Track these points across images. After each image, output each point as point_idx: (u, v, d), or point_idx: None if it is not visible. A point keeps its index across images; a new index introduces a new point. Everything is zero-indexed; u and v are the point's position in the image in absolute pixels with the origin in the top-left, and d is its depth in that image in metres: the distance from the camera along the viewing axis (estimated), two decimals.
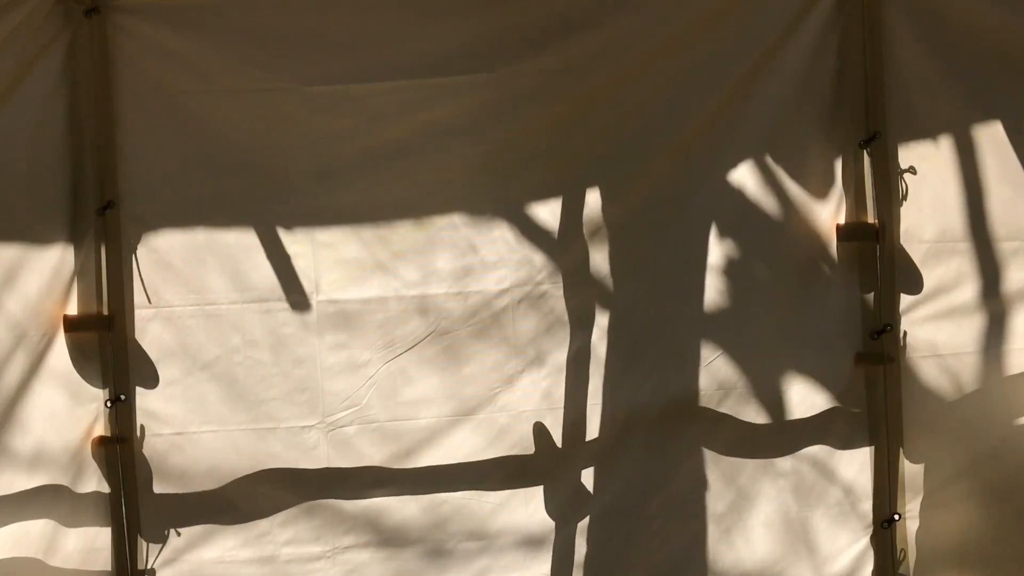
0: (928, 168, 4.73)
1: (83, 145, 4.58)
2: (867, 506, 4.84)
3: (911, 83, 4.68)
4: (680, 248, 4.75)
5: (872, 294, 4.77)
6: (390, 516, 4.76)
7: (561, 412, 4.77)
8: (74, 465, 4.60)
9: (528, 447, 4.77)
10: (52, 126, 4.55)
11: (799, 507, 4.83)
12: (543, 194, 4.72)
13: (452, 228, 4.70)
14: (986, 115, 4.70)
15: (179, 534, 4.68)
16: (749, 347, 4.77)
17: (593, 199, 4.71)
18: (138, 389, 4.65)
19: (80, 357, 4.60)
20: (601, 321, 4.75)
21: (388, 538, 4.76)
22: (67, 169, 4.58)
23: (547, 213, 4.72)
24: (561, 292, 4.74)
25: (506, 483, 4.79)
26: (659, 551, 4.82)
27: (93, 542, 4.64)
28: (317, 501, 4.73)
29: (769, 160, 4.72)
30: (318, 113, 4.63)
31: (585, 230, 4.72)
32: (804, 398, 4.79)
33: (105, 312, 4.61)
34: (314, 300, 4.70)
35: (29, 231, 4.54)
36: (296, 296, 4.69)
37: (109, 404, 4.62)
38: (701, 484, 4.82)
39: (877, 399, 4.79)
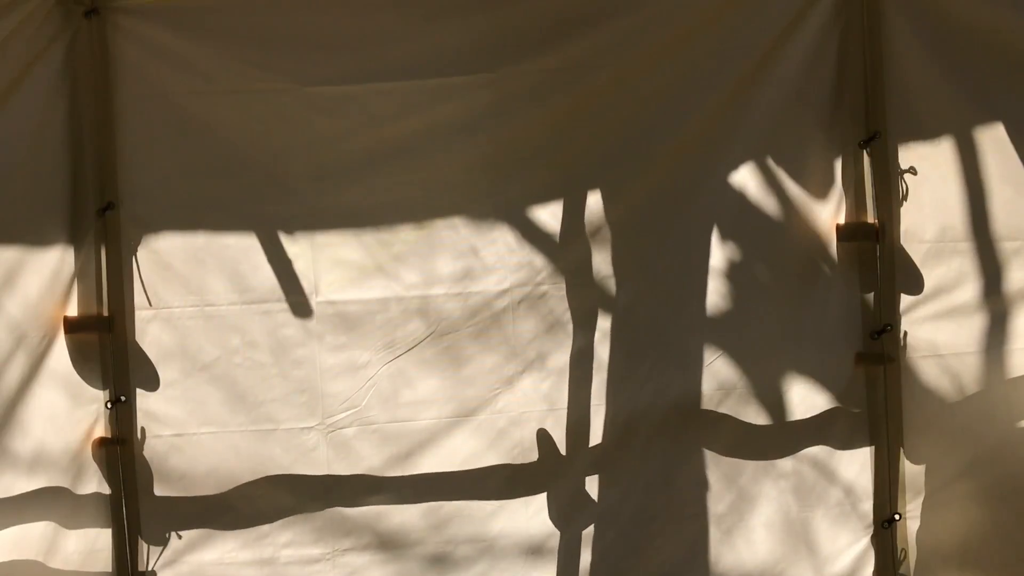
0: (928, 168, 4.73)
1: (83, 146, 4.57)
2: (867, 506, 4.84)
3: (911, 83, 4.69)
4: (680, 248, 4.75)
5: (872, 294, 4.77)
6: (390, 519, 4.76)
7: (561, 413, 4.77)
8: (74, 467, 4.60)
9: (529, 449, 4.77)
10: (52, 127, 4.55)
11: (800, 507, 4.83)
12: (543, 195, 4.72)
13: (452, 229, 4.70)
14: (986, 114, 4.70)
15: (180, 537, 4.68)
16: (749, 347, 4.77)
17: (593, 199, 4.71)
18: (138, 390, 4.64)
19: (80, 358, 4.60)
20: (602, 322, 4.75)
21: (388, 541, 4.76)
22: (67, 170, 4.58)
23: (547, 214, 4.72)
24: (561, 293, 4.74)
25: (509, 490, 4.78)
26: (660, 552, 4.82)
27: (93, 543, 4.63)
28: (317, 503, 4.72)
29: (769, 160, 4.73)
30: (318, 114, 4.63)
31: (586, 230, 4.72)
32: (804, 398, 4.79)
33: (105, 313, 4.61)
34: (313, 301, 4.70)
35: (29, 232, 4.53)
36: (295, 297, 4.69)
37: (109, 405, 4.62)
38: (702, 485, 4.82)
39: (877, 399, 4.79)
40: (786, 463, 4.83)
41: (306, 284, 4.69)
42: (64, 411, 4.59)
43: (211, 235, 4.66)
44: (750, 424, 4.80)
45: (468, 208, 4.70)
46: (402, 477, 4.73)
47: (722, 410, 4.77)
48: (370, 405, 4.72)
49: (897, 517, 4.80)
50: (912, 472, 4.80)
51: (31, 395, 4.54)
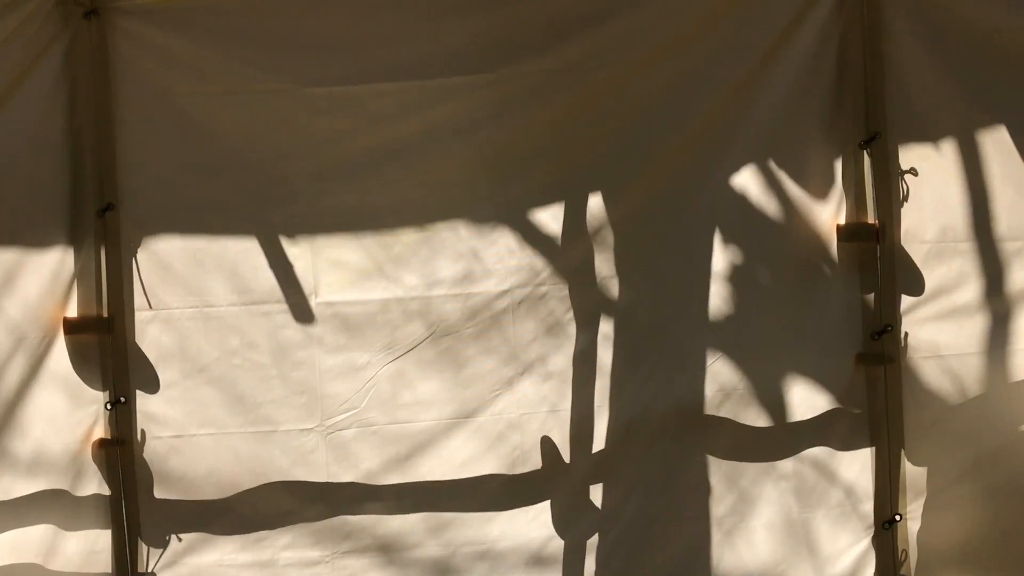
0: (929, 168, 4.72)
1: (83, 147, 4.58)
2: (868, 507, 4.84)
3: (911, 83, 4.68)
4: (681, 249, 4.74)
5: (872, 295, 4.77)
6: (389, 522, 4.76)
7: (561, 415, 4.76)
8: (74, 468, 4.60)
9: (529, 451, 4.76)
10: (52, 128, 4.55)
11: (800, 508, 4.83)
12: (544, 195, 4.72)
13: (452, 229, 4.70)
14: (987, 114, 4.69)
15: (180, 539, 4.67)
16: (750, 348, 4.76)
17: (594, 200, 4.71)
18: (137, 392, 4.64)
19: (80, 359, 4.60)
20: (603, 323, 4.75)
21: (387, 544, 4.75)
22: (67, 171, 4.58)
23: (548, 214, 4.72)
24: (561, 294, 4.73)
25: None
26: (661, 554, 4.81)
27: (93, 545, 4.63)
28: (316, 506, 4.72)
29: (769, 160, 4.72)
30: (318, 114, 4.63)
31: (587, 231, 4.71)
32: (805, 399, 4.79)
33: (105, 314, 4.61)
34: (313, 302, 4.69)
35: (29, 233, 4.54)
36: (295, 298, 4.69)
37: (109, 406, 4.61)
38: (703, 486, 4.81)
39: (878, 400, 4.78)
40: (787, 464, 4.83)
41: (306, 285, 4.69)
42: (64, 412, 4.59)
43: (210, 236, 4.66)
44: (751, 425, 4.79)
45: (468, 209, 4.70)
46: (402, 484, 4.73)
47: (723, 411, 4.77)
48: (369, 407, 4.72)
49: (898, 518, 4.80)
50: (913, 473, 4.80)
51: (31, 396, 4.55)
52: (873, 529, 4.83)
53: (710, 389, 4.76)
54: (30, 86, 4.50)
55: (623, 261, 4.72)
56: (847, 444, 4.82)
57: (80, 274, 4.60)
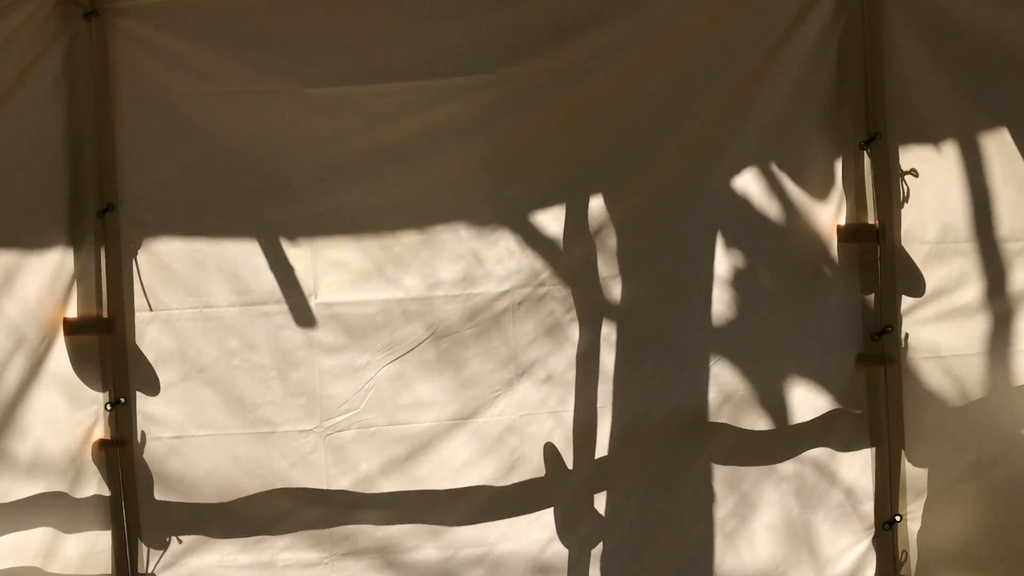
0: (929, 168, 4.73)
1: (82, 148, 4.58)
2: (868, 508, 4.84)
3: (911, 83, 4.69)
4: (681, 249, 4.74)
5: (873, 295, 4.77)
6: (389, 524, 4.75)
7: (561, 416, 4.76)
8: (73, 469, 4.60)
9: (528, 452, 4.76)
10: (51, 129, 4.55)
11: (801, 509, 4.83)
12: (544, 196, 4.71)
13: (452, 230, 4.69)
14: (988, 114, 4.70)
15: (180, 541, 4.67)
16: (750, 348, 4.76)
17: (594, 200, 4.70)
18: (137, 393, 4.64)
19: (80, 360, 4.60)
20: (603, 324, 4.75)
21: (386, 546, 4.75)
22: (67, 172, 4.58)
23: (548, 215, 4.71)
24: (562, 295, 4.73)
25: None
26: (662, 556, 4.81)
27: (93, 546, 4.63)
28: (315, 507, 4.71)
29: (769, 161, 4.72)
30: (318, 115, 4.62)
31: (587, 232, 4.71)
32: (806, 399, 4.79)
33: (105, 315, 4.60)
34: (313, 303, 4.69)
35: (29, 233, 4.54)
36: (295, 299, 4.68)
37: (109, 407, 4.61)
38: (704, 488, 4.81)
39: (878, 400, 4.78)
40: (787, 466, 4.82)
41: (305, 286, 4.68)
42: (63, 413, 4.59)
43: (210, 236, 4.66)
44: (751, 427, 4.78)
45: (468, 209, 4.70)
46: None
47: (723, 412, 4.77)
48: (369, 407, 4.71)
49: (898, 518, 4.80)
50: (913, 473, 4.80)
51: (30, 397, 4.54)
52: (873, 530, 4.83)
53: (711, 390, 4.75)
54: (30, 87, 4.50)
55: (624, 261, 4.72)
56: (847, 445, 4.82)
57: (80, 275, 4.60)
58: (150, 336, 4.64)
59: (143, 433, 4.64)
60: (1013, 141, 4.70)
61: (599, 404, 4.75)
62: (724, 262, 4.75)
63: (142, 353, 4.63)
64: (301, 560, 4.73)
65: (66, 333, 4.58)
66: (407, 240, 4.70)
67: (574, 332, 4.75)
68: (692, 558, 4.83)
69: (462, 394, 4.73)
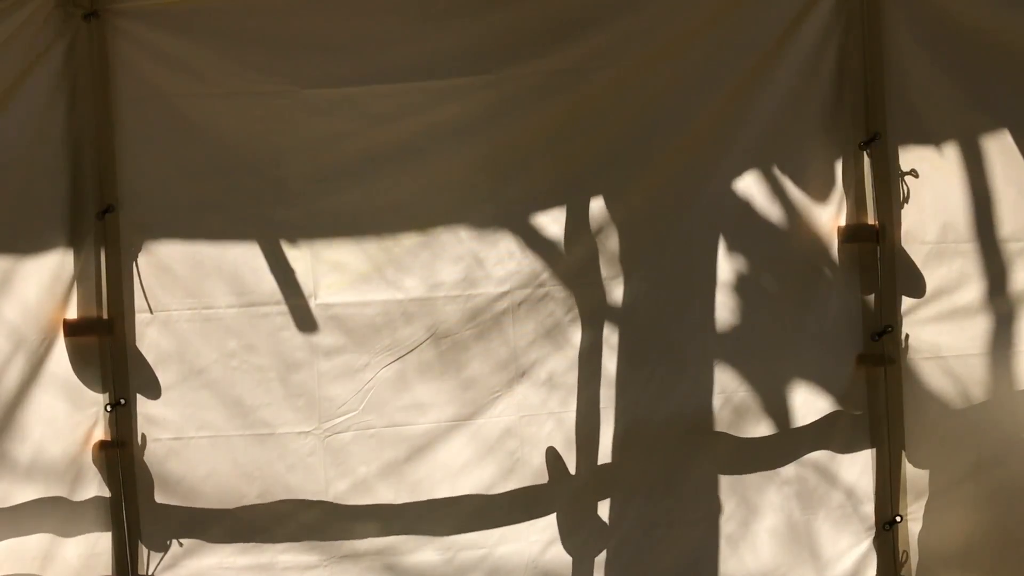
0: (929, 168, 4.73)
1: (82, 149, 4.58)
2: (869, 508, 4.84)
3: (911, 83, 4.69)
4: (681, 250, 4.75)
5: (873, 295, 4.77)
6: (388, 526, 4.75)
7: (561, 417, 4.76)
8: (73, 470, 4.59)
9: (528, 454, 4.75)
10: (51, 130, 4.55)
11: (802, 511, 4.83)
12: (544, 196, 4.71)
13: (452, 231, 4.69)
14: (987, 114, 4.70)
15: (181, 544, 4.67)
16: (751, 349, 4.76)
17: (595, 201, 4.70)
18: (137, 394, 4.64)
19: (80, 361, 4.60)
20: (603, 325, 4.74)
21: (385, 548, 4.75)
22: (66, 173, 4.57)
23: (548, 216, 4.71)
24: (562, 296, 4.73)
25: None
26: (663, 559, 4.81)
27: (93, 547, 4.63)
28: (314, 509, 4.71)
29: (769, 162, 4.72)
30: (317, 116, 4.62)
31: (587, 232, 4.71)
32: (806, 400, 4.79)
33: (105, 316, 4.60)
34: (312, 304, 4.68)
35: (28, 235, 4.53)
36: (294, 300, 4.68)
37: (109, 408, 4.61)
38: (704, 490, 4.81)
39: (878, 401, 4.79)
40: (789, 468, 4.82)
41: (305, 287, 4.68)
42: (63, 414, 4.58)
43: (210, 238, 4.65)
44: (752, 427, 4.79)
45: (468, 210, 4.70)
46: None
47: (724, 413, 4.77)
48: (368, 409, 4.71)
49: (898, 519, 4.80)
50: (913, 474, 4.80)
51: (30, 398, 4.54)
52: (874, 530, 4.84)
53: (711, 391, 4.75)
54: (30, 88, 4.49)
55: (624, 262, 4.72)
56: (848, 446, 4.83)
57: (80, 276, 4.59)
58: (149, 337, 4.64)
59: (143, 436, 4.63)
60: (1013, 141, 4.70)
61: (602, 404, 4.74)
62: (724, 262, 4.75)
63: (142, 354, 4.63)
64: (300, 562, 4.73)
65: (66, 334, 4.58)
66: (407, 241, 4.69)
67: (574, 333, 4.75)
68: (694, 561, 4.83)
69: (462, 395, 4.73)
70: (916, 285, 4.75)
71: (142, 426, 4.64)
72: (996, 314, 4.74)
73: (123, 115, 4.58)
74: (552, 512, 4.79)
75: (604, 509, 4.80)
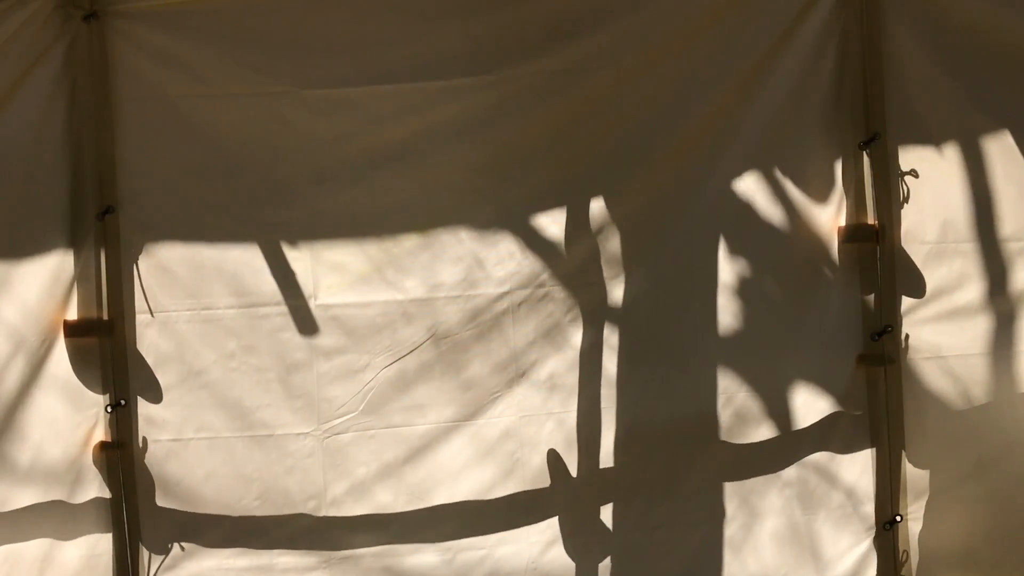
0: (929, 168, 4.73)
1: (82, 150, 4.58)
2: (869, 508, 4.84)
3: (911, 83, 4.69)
4: (681, 250, 4.74)
5: (873, 295, 4.77)
6: (387, 526, 4.74)
7: (561, 417, 4.76)
8: (73, 472, 4.59)
9: (528, 454, 4.75)
10: (51, 131, 4.55)
11: (802, 511, 4.82)
12: (544, 197, 4.71)
13: (452, 232, 4.69)
14: (987, 114, 4.70)
15: (183, 548, 4.66)
16: (751, 349, 4.76)
17: (594, 201, 4.70)
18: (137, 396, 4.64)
19: (80, 363, 4.59)
20: (603, 325, 4.74)
21: (385, 549, 4.74)
22: (66, 174, 4.58)
23: (548, 216, 4.71)
24: (562, 296, 4.73)
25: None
26: (664, 560, 4.80)
27: (94, 549, 4.63)
28: (313, 510, 4.70)
29: (769, 162, 4.72)
30: (317, 117, 4.62)
31: (587, 233, 4.71)
32: (806, 400, 4.78)
33: (105, 317, 4.60)
34: (312, 305, 4.68)
35: (28, 236, 4.54)
36: (294, 301, 4.68)
37: (109, 409, 4.60)
38: (705, 491, 4.81)
39: (878, 401, 4.79)
40: (790, 470, 4.82)
41: (305, 288, 4.68)
42: (64, 416, 4.58)
43: (210, 239, 4.65)
44: (752, 428, 4.78)
45: (468, 211, 4.70)
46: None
47: (724, 414, 4.76)
48: (367, 410, 4.71)
49: (898, 519, 4.80)
50: (914, 474, 4.80)
51: (30, 400, 4.53)
52: (874, 530, 4.83)
53: (711, 391, 4.75)
54: (29, 89, 4.50)
55: (624, 262, 4.72)
56: (848, 446, 4.82)
57: (80, 277, 4.59)
58: (149, 338, 4.63)
59: (144, 438, 4.63)
60: (1013, 141, 4.70)
61: (604, 404, 4.74)
62: (724, 263, 4.75)
63: (141, 355, 4.63)
64: (299, 564, 4.72)
65: (66, 335, 4.58)
66: (407, 242, 4.69)
67: (574, 334, 4.75)
68: (694, 562, 4.83)
69: (461, 396, 4.73)
70: (916, 285, 4.75)
71: (143, 427, 4.63)
72: (996, 314, 4.74)
73: (123, 116, 4.58)
74: (553, 514, 4.78)
75: (605, 512, 4.79)
